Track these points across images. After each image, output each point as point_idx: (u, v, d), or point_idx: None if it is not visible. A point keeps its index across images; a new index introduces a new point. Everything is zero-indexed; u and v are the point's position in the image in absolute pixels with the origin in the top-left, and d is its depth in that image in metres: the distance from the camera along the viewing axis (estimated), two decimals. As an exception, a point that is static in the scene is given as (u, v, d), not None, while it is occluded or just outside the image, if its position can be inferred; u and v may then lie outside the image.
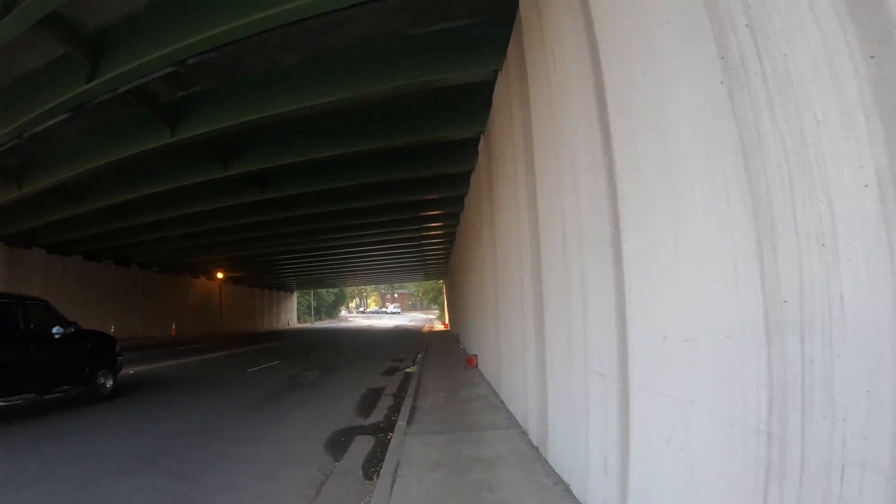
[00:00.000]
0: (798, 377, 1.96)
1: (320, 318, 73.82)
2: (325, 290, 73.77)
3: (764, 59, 2.06)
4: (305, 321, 66.81)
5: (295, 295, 63.75)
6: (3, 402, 8.36)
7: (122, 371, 11.23)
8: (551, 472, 4.90)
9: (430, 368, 13.63)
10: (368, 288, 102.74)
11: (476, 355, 13.16)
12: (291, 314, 62.07)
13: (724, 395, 2.32)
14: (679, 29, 2.54)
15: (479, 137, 10.10)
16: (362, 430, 7.37)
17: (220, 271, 35.88)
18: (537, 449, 5.63)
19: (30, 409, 9.06)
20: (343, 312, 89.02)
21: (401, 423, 7.13)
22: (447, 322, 39.47)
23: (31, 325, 9.04)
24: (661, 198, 2.72)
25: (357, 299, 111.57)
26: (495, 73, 7.57)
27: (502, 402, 8.35)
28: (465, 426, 6.90)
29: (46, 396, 9.26)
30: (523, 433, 6.36)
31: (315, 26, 7.10)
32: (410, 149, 11.80)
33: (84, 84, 7.82)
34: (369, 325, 53.24)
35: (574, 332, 4.27)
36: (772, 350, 2.06)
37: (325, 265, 38.11)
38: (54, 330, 9.42)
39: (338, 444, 6.73)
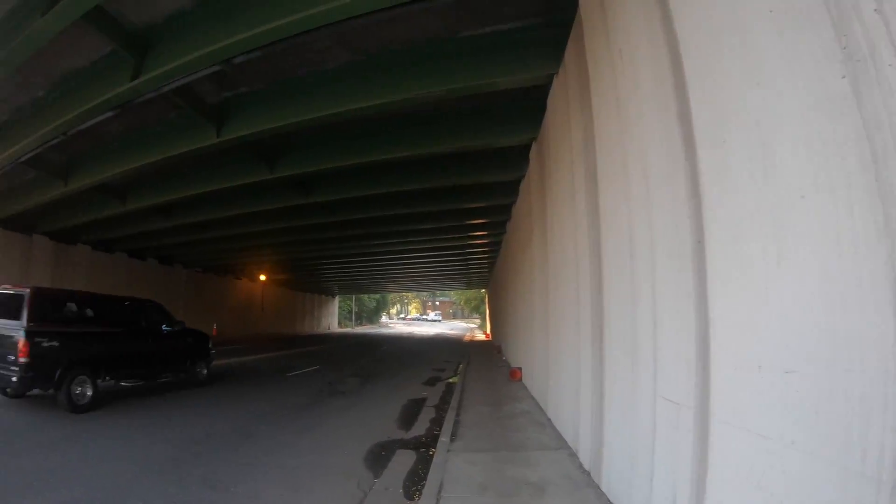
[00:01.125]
0: (939, 425, 1.65)
1: (361, 324, 74.15)
2: (366, 295, 74.16)
3: (901, 47, 1.76)
4: (346, 326, 67.23)
5: (337, 299, 64.22)
6: (129, 383, 10.46)
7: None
8: (606, 501, 4.58)
9: (473, 380, 13.35)
10: (409, 295, 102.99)
11: (520, 368, 12.82)
12: (333, 319, 62.51)
13: (836, 439, 2.01)
14: (785, 17, 2.24)
15: (530, 144, 9.79)
16: (403, 444, 7.15)
17: (262, 273, 36.31)
18: (589, 474, 5.30)
19: (141, 390, 11.06)
20: (384, 318, 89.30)
21: (444, 438, 6.89)
22: (488, 332, 39.11)
23: (148, 323, 11.16)
24: (761, 209, 2.39)
25: (398, 306, 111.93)
26: (550, 77, 7.28)
27: (549, 419, 8.01)
28: (511, 445, 6.60)
29: (158, 381, 11.43)
30: (573, 455, 6.03)
31: (362, 26, 6.93)
32: (457, 155, 11.57)
33: (129, 82, 7.79)
34: (410, 332, 53.19)
35: (640, 352, 3.92)
36: (905, 391, 1.75)
37: (368, 271, 38.15)
38: (164, 327, 11.56)
39: (378, 457, 6.53)
